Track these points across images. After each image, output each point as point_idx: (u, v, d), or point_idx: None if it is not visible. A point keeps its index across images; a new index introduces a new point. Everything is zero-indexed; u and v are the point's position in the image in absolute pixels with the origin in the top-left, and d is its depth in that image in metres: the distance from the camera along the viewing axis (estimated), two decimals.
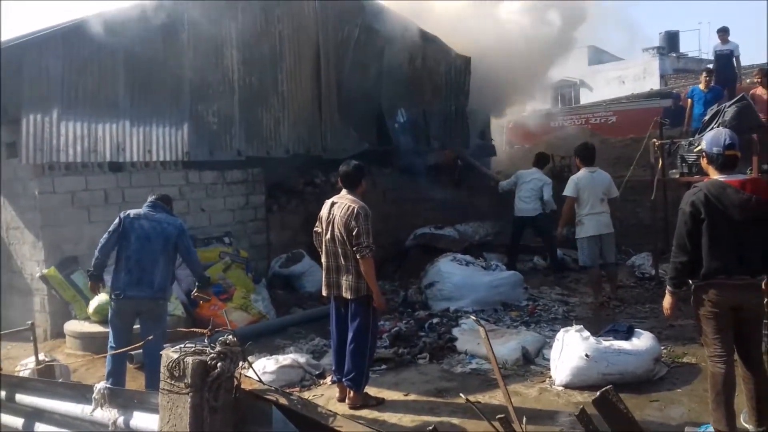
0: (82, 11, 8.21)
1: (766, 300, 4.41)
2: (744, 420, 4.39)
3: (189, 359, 2.75)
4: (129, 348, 5.09)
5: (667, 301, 4.49)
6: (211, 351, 2.76)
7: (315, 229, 5.58)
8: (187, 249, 5.71)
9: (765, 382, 4.30)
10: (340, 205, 5.30)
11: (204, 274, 6.09)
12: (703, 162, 4.37)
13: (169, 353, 2.85)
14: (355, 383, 5.33)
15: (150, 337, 4.69)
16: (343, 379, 5.41)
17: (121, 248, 5.54)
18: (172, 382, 2.79)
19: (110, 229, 5.59)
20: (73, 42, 7.82)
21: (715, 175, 4.25)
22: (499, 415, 2.53)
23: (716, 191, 4.14)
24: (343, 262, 5.26)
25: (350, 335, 5.36)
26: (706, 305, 4.22)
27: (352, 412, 5.22)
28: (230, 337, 2.80)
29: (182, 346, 2.86)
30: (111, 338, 5.59)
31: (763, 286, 4.29)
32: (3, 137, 7.95)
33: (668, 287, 4.44)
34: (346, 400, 5.40)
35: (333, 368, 5.64)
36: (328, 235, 5.33)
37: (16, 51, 7.50)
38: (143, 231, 5.53)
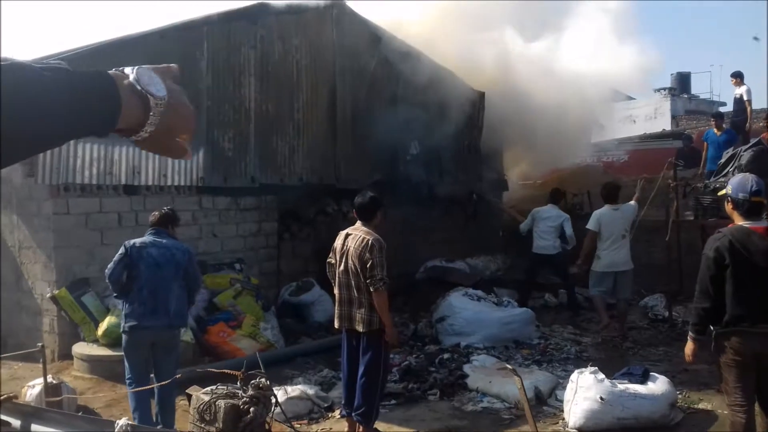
0: (101, 35, 8.33)
1: None
2: None
3: (221, 402, 2.68)
4: (148, 386, 4.97)
5: (689, 347, 4.42)
6: (244, 395, 2.69)
7: (328, 260, 5.51)
8: (194, 276, 5.59)
9: None
10: (354, 236, 5.25)
11: (195, 300, 5.96)
12: (728, 207, 4.32)
13: (200, 395, 2.78)
14: (365, 418, 5.25)
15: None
16: (353, 414, 5.32)
17: (131, 279, 5.35)
18: (202, 425, 2.72)
19: (115, 258, 5.38)
20: (92, 65, 7.86)
21: (739, 221, 4.21)
22: None
23: (741, 237, 4.10)
24: (356, 294, 5.21)
25: (361, 369, 5.28)
26: (729, 353, 4.16)
27: None
28: (263, 380, 2.73)
29: (214, 387, 2.79)
30: (128, 373, 5.38)
31: None
32: None
33: (690, 333, 4.38)
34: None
35: (343, 402, 5.56)
36: (342, 267, 5.27)
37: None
38: (152, 259, 5.36)
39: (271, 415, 2.65)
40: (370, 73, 10.93)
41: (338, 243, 5.38)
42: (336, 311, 5.42)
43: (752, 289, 4.08)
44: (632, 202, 8.38)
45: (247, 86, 9.28)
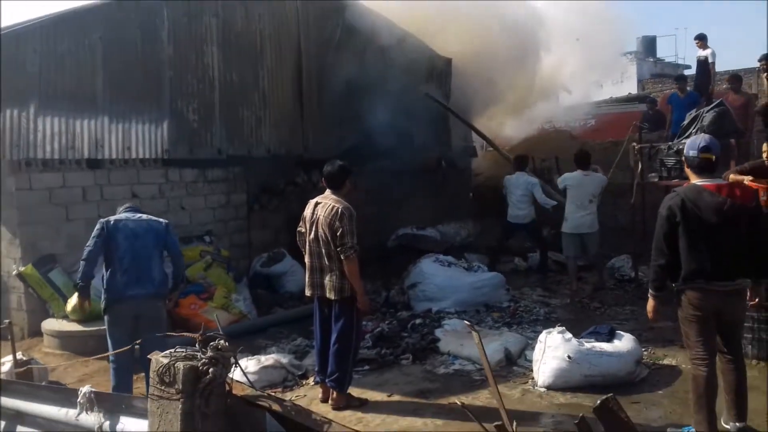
0: (59, 5, 8.09)
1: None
2: (724, 420, 4.46)
3: (180, 364, 2.70)
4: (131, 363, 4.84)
5: (650, 304, 4.55)
6: (203, 356, 2.71)
7: (299, 229, 5.54)
8: (173, 245, 5.51)
9: (742, 374, 4.40)
10: (324, 205, 5.28)
11: (185, 275, 5.93)
12: (686, 168, 4.47)
13: (159, 358, 2.79)
14: (339, 384, 5.32)
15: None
16: (327, 380, 5.39)
17: (110, 252, 5.27)
18: (162, 387, 2.73)
19: (93, 234, 5.30)
20: (51, 36, 7.67)
21: (694, 179, 4.34)
22: (496, 423, 2.52)
23: (693, 195, 4.23)
24: (326, 262, 5.24)
25: (334, 336, 5.34)
26: (689, 309, 4.31)
27: (335, 413, 5.20)
28: (222, 341, 2.76)
29: (172, 350, 2.81)
30: (111, 351, 5.24)
31: (748, 293, 4.39)
32: None
33: (650, 291, 4.51)
34: (330, 401, 5.39)
35: (316, 369, 5.62)
36: (312, 235, 5.31)
37: None
38: (129, 230, 5.31)
39: (230, 375, 2.67)
40: (336, 40, 10.81)
41: (308, 212, 5.40)
42: (307, 280, 5.45)
43: (704, 246, 4.19)
44: (603, 175, 8.70)
45: (211, 55, 9.12)
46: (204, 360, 2.66)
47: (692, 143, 4.39)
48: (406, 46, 11.31)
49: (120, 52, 8.18)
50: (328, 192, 5.38)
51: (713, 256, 4.18)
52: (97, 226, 5.35)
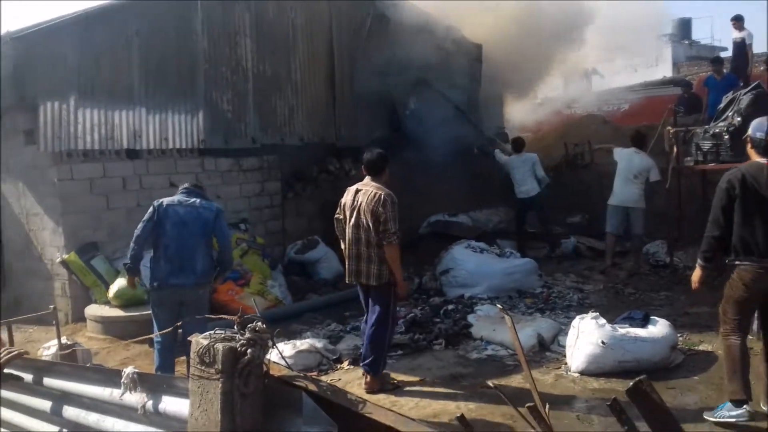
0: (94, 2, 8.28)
1: None
2: (763, 404, 4.47)
3: (219, 345, 2.78)
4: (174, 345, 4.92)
5: (696, 274, 4.65)
6: (241, 338, 2.80)
7: (336, 216, 5.55)
8: (222, 232, 5.53)
9: None
10: (365, 192, 5.30)
11: (231, 261, 5.91)
12: (748, 147, 4.54)
13: (199, 339, 2.88)
14: (373, 368, 5.40)
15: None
16: (361, 363, 5.48)
17: (158, 237, 5.38)
18: (203, 368, 2.82)
19: (145, 218, 5.43)
20: (88, 29, 7.85)
21: (756, 159, 4.42)
22: (528, 404, 2.56)
23: (754, 171, 4.33)
24: (366, 249, 5.27)
25: (370, 321, 5.42)
26: (738, 285, 4.38)
27: (368, 396, 5.28)
28: (260, 323, 2.83)
29: (212, 332, 2.90)
30: (156, 332, 5.33)
31: None
32: (21, 125, 8.01)
33: (699, 261, 4.60)
34: (363, 384, 5.47)
35: (361, 351, 5.66)
36: (353, 222, 5.31)
37: (32, 38, 7.54)
38: (179, 217, 5.38)
39: (268, 356, 2.76)
40: (367, 29, 10.85)
41: (348, 199, 5.41)
42: (347, 266, 5.47)
43: (761, 221, 4.26)
44: (651, 160, 8.81)
45: (244, 47, 9.25)
46: (242, 341, 2.74)
47: (759, 125, 4.48)
48: (437, 33, 11.30)
49: (156, 46, 8.34)
50: (367, 179, 5.41)
51: (766, 231, 4.24)
52: (149, 210, 5.46)
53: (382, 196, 5.20)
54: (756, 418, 4.37)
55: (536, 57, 13.16)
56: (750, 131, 4.55)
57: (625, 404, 2.57)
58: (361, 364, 5.50)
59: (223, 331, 2.87)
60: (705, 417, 4.50)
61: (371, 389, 5.40)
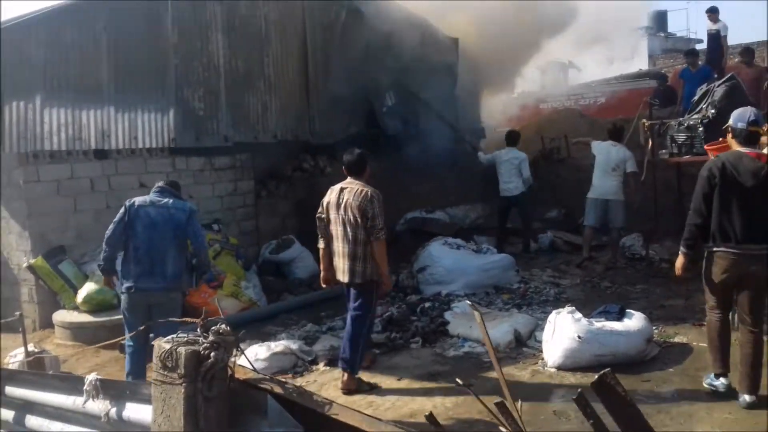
0: None
1: None
2: (739, 391, 4.57)
3: (182, 349, 2.70)
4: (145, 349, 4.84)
5: (679, 261, 4.77)
6: (204, 341, 2.72)
7: (318, 215, 5.54)
8: (195, 233, 5.45)
9: (759, 347, 4.50)
10: (351, 189, 5.35)
11: (207, 262, 5.82)
12: (729, 136, 4.66)
13: (161, 343, 2.80)
14: (351, 365, 5.35)
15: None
16: (339, 362, 5.44)
17: (128, 239, 5.28)
18: (165, 372, 2.74)
19: (116, 219, 5.33)
20: (54, 27, 7.66)
21: (737, 149, 4.54)
22: (496, 400, 2.50)
23: (734, 159, 4.46)
24: (354, 246, 5.30)
25: (349, 318, 5.43)
26: (716, 270, 4.53)
27: (345, 398, 5.21)
28: (223, 326, 2.76)
29: (174, 336, 2.82)
30: (126, 336, 5.23)
31: None
32: None
33: (681, 248, 4.72)
34: (340, 383, 5.40)
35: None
36: (340, 220, 5.35)
37: None
38: (149, 218, 5.28)
39: (233, 359, 2.68)
40: (341, 24, 10.74)
41: (332, 197, 5.43)
42: (341, 265, 5.42)
43: (738, 208, 4.39)
44: (628, 151, 8.91)
45: (215, 42, 9.09)
46: (205, 344, 2.67)
47: (741, 115, 4.59)
48: (413, 26, 11.23)
49: (125, 42, 8.16)
50: (350, 178, 5.45)
51: (746, 218, 4.38)
52: (121, 210, 5.37)
53: (369, 193, 5.28)
54: (733, 391, 4.61)
55: (514, 51, 13.13)
56: (731, 121, 4.65)
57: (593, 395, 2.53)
58: (339, 362, 5.46)
59: (185, 335, 2.79)
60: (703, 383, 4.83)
61: (347, 388, 5.34)
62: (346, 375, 5.37)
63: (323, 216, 5.50)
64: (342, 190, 5.40)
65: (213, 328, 2.77)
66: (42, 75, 7.57)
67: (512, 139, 10.34)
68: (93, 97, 7.91)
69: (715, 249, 4.50)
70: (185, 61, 8.74)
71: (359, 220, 5.25)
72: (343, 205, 5.33)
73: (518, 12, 12.37)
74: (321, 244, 5.55)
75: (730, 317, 4.75)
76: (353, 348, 5.34)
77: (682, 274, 4.81)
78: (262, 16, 9.72)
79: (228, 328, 2.77)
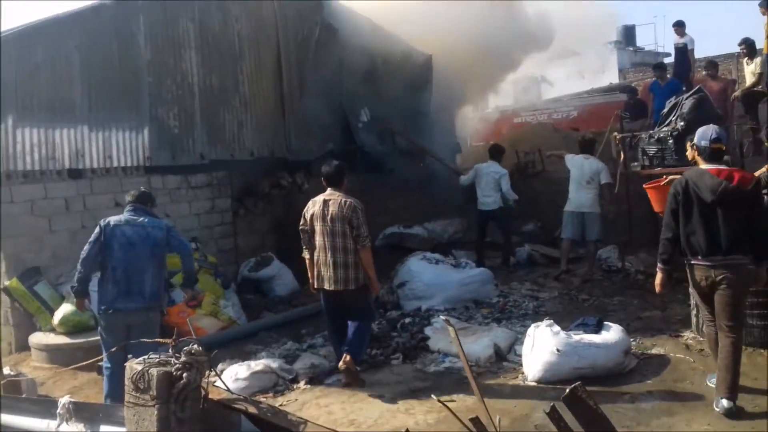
0: (32, 14, 8.03)
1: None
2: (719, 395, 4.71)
3: (153, 371, 2.68)
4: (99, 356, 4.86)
5: (658, 277, 4.95)
6: (176, 361, 2.69)
7: (301, 227, 5.76)
8: (180, 244, 5.46)
9: (734, 352, 4.65)
10: (334, 201, 5.61)
11: (194, 272, 5.89)
12: (695, 153, 4.90)
13: (133, 365, 2.77)
14: (356, 352, 5.73)
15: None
16: (345, 347, 5.72)
17: (104, 259, 5.24)
18: (137, 394, 2.72)
19: (91, 239, 5.28)
20: (26, 46, 7.57)
21: (702, 165, 4.77)
22: (470, 416, 2.51)
23: (696, 176, 4.72)
24: (343, 255, 5.58)
25: (357, 319, 5.80)
26: (693, 281, 4.82)
27: (327, 414, 5.18)
28: (195, 346, 2.73)
29: (146, 357, 2.79)
30: (104, 356, 5.20)
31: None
32: None
33: (659, 264, 4.92)
34: (341, 363, 5.64)
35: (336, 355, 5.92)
36: (328, 231, 5.59)
37: None
38: (126, 238, 5.25)
39: (206, 379, 2.66)
40: (315, 39, 10.78)
41: (315, 209, 5.67)
42: (325, 274, 5.67)
43: (701, 222, 4.62)
44: (601, 163, 8.98)
45: (189, 60, 9.05)
46: (177, 365, 2.64)
47: (703, 134, 4.83)
48: (387, 43, 11.31)
49: (97, 60, 8.10)
50: (329, 190, 5.72)
51: (709, 232, 4.62)
52: (96, 230, 5.33)
53: (353, 204, 5.59)
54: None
55: (489, 68, 13.25)
56: (695, 139, 4.88)
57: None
58: (344, 347, 5.73)
59: (157, 356, 2.76)
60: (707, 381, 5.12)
61: (348, 368, 5.61)
62: (348, 357, 5.62)
63: (306, 228, 5.71)
64: (326, 201, 5.63)
65: (185, 348, 2.75)
66: (13, 94, 7.47)
67: (495, 152, 10.28)
68: (66, 116, 7.83)
69: (685, 261, 4.79)
70: (159, 78, 8.69)
71: (347, 229, 5.52)
72: (329, 217, 5.57)
73: (494, 30, 12.46)
74: (306, 255, 5.79)
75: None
76: (361, 340, 5.79)
77: (661, 291, 5.01)
78: (236, 33, 9.71)
79: (200, 348, 2.75)
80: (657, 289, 4.99)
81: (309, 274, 5.88)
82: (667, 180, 7.45)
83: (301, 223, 5.77)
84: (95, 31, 8.11)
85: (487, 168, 9.98)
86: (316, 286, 5.83)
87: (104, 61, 8.17)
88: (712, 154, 4.77)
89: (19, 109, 7.49)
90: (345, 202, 5.58)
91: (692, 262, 4.72)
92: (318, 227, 5.63)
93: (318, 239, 5.64)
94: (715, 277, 4.62)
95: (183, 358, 2.65)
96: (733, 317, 4.66)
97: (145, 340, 3.63)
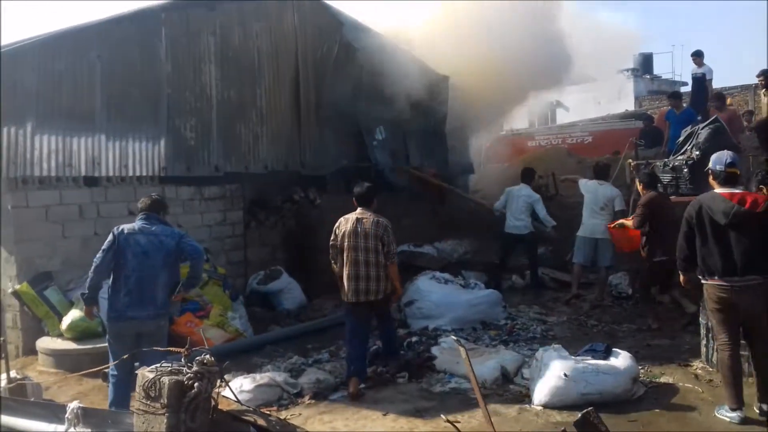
0: (58, 23, 8.15)
1: None
2: (756, 405, 4.92)
3: (165, 379, 2.69)
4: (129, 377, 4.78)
5: (682, 278, 5.36)
6: (188, 371, 2.70)
7: (332, 242, 6.17)
8: (193, 249, 5.41)
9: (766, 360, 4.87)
10: (367, 220, 6.06)
11: (200, 276, 5.90)
12: (710, 178, 5.09)
13: (145, 373, 2.79)
14: (393, 351, 6.57)
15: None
16: (387, 352, 6.53)
17: (118, 267, 5.24)
18: (148, 402, 2.73)
19: (104, 246, 5.27)
20: (49, 55, 7.70)
21: (717, 189, 4.93)
22: None
23: (709, 200, 4.92)
24: (376, 269, 6.02)
25: (385, 326, 6.50)
26: (710, 301, 4.99)
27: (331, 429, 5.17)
28: (207, 356, 2.74)
29: (158, 365, 2.80)
30: (111, 364, 5.21)
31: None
32: None
33: (680, 271, 5.32)
34: (391, 367, 6.38)
35: (352, 369, 6.11)
36: (361, 246, 6.02)
37: None
38: (140, 247, 5.25)
39: (216, 389, 2.66)
40: (333, 58, 10.87)
41: (348, 227, 6.07)
42: (352, 286, 6.05)
43: (716, 244, 4.80)
44: (616, 189, 9.01)
45: (208, 73, 9.17)
46: (189, 375, 2.65)
47: (719, 158, 5.02)
48: (404, 63, 11.37)
49: (118, 70, 8.22)
50: (360, 209, 6.15)
51: (724, 254, 4.80)
52: (109, 238, 5.32)
53: (385, 223, 6.08)
54: (748, 422, 4.88)
55: (505, 93, 13.25)
56: (710, 164, 5.06)
57: None
58: (387, 353, 6.52)
59: (169, 364, 2.78)
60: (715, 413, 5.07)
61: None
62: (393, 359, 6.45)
63: (336, 243, 6.13)
64: (359, 219, 6.07)
65: (197, 358, 2.76)
66: (34, 101, 7.58)
67: (527, 176, 10.19)
68: (84, 124, 7.93)
69: (703, 282, 4.98)
70: (178, 90, 8.80)
71: (378, 246, 5.98)
72: (362, 234, 6.01)
73: (512, 56, 12.46)
74: (336, 268, 6.22)
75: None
76: (394, 342, 6.60)
77: (687, 285, 5.40)
78: (256, 48, 9.83)
79: (212, 358, 2.76)
80: (683, 284, 5.39)
81: (339, 284, 6.25)
82: (617, 223, 8.15)
83: (332, 238, 6.17)
84: (118, 42, 8.23)
85: (518, 191, 9.88)
86: (347, 300, 6.18)
87: (125, 72, 8.29)
88: (726, 178, 4.94)
89: (39, 116, 7.59)
90: (378, 221, 6.04)
91: (709, 281, 4.90)
92: (350, 243, 6.02)
93: (351, 254, 6.02)
94: (735, 297, 4.78)
95: (195, 368, 2.66)
96: (762, 332, 4.87)
97: (157, 348, 3.63)
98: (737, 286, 4.77)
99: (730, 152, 5.11)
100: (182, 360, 2.75)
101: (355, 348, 6.18)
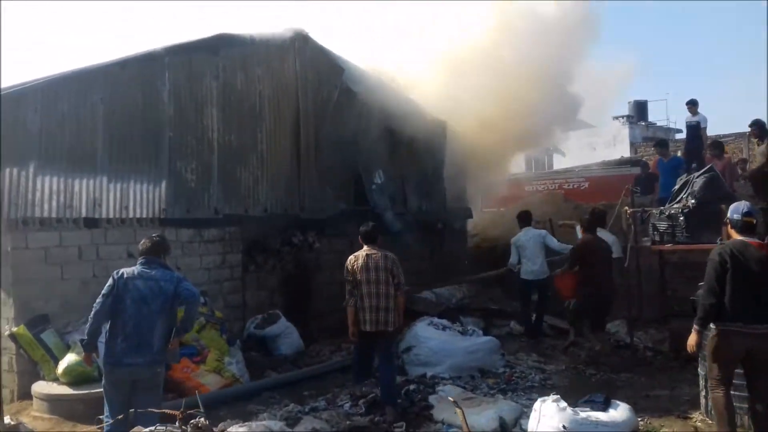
0: (61, 65, 8.26)
1: None
2: None
3: None
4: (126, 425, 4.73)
5: (692, 338, 5.24)
6: None
7: (346, 277, 6.70)
8: (189, 292, 5.34)
9: None
10: (376, 255, 6.64)
11: (193, 322, 5.81)
12: (728, 227, 5.33)
13: None
14: (394, 399, 6.61)
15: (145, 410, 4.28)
16: (389, 399, 6.53)
17: (116, 312, 5.21)
18: None
19: (104, 291, 5.26)
20: (52, 96, 7.80)
21: (736, 237, 5.18)
22: None
23: (740, 247, 5.07)
24: (386, 300, 6.57)
25: (387, 358, 6.75)
26: (723, 346, 5.05)
27: None
28: (202, 419, 2.72)
29: (153, 429, 2.78)
30: (106, 411, 5.16)
31: None
32: None
33: (695, 326, 5.19)
34: (388, 416, 6.36)
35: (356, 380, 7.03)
36: (373, 279, 6.58)
37: None
38: (139, 292, 5.22)
39: None
40: (333, 102, 11.01)
41: (359, 263, 6.64)
42: (368, 317, 6.61)
43: (746, 292, 4.93)
44: (613, 236, 9.16)
45: (210, 117, 9.27)
46: None
47: (735, 208, 5.27)
48: (403, 107, 11.51)
49: (121, 113, 8.31)
50: (367, 246, 6.73)
51: (753, 301, 4.94)
52: (109, 282, 5.30)
53: (393, 257, 6.69)
54: None
55: (504, 140, 13.34)
56: (728, 214, 5.29)
57: None
58: (385, 401, 6.53)
59: (164, 428, 2.75)
60: None
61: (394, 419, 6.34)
62: (389, 408, 6.43)
63: (350, 278, 6.65)
64: (368, 255, 6.63)
65: (192, 422, 2.74)
66: (37, 142, 7.67)
67: (525, 219, 10.28)
68: (86, 166, 7.99)
69: (723, 327, 5.01)
70: (180, 133, 8.89)
71: (389, 278, 6.56)
72: (374, 268, 6.57)
73: (510, 106, 12.59)
74: (351, 303, 6.68)
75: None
76: (393, 385, 6.66)
77: (694, 351, 5.31)
78: (257, 93, 9.96)
79: (207, 422, 2.74)
80: (691, 349, 5.27)
81: (350, 321, 6.70)
82: (560, 271, 8.73)
83: (345, 274, 6.71)
84: (121, 85, 8.35)
85: (525, 235, 9.99)
86: (360, 329, 6.66)
87: (128, 114, 8.38)
88: (744, 226, 5.14)
89: (42, 157, 7.66)
90: (387, 255, 6.65)
91: (732, 328, 4.97)
92: (362, 277, 6.56)
93: (365, 288, 6.56)
94: (755, 344, 4.91)
95: None
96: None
97: (149, 410, 3.58)
98: (761, 333, 4.90)
99: (746, 202, 5.35)
100: (177, 423, 2.72)
101: (359, 376, 6.99)
